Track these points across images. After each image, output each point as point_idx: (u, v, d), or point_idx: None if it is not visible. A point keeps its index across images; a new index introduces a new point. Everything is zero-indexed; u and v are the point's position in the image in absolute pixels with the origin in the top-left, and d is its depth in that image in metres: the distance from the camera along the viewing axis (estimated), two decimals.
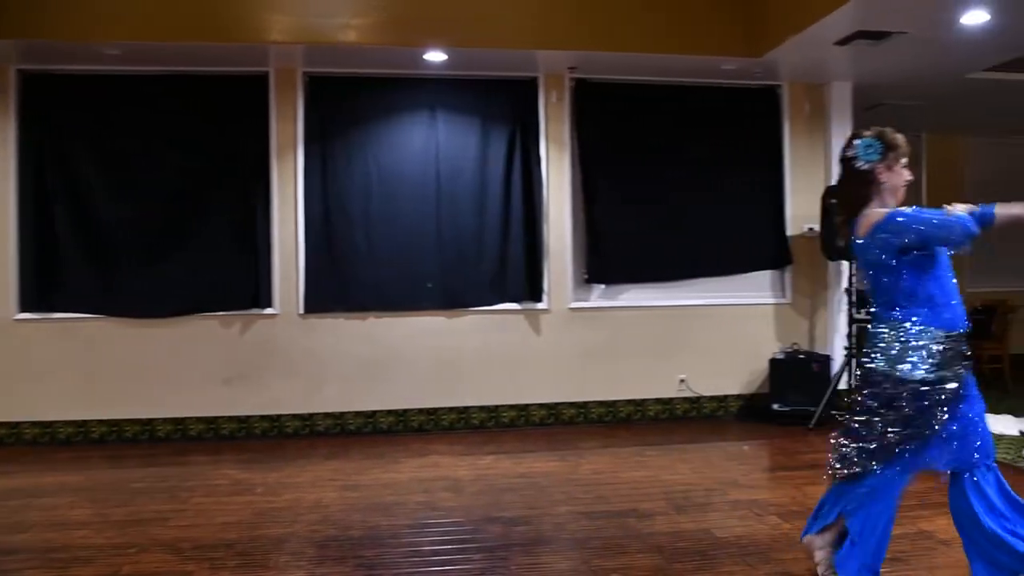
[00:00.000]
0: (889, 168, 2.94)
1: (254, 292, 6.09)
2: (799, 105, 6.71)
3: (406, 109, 6.21)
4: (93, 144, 5.93)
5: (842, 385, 6.34)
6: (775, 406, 6.32)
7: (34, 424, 5.84)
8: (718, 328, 6.55)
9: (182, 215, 5.99)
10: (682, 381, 6.48)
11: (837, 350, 6.49)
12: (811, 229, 6.56)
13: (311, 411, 6.10)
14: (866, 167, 2.95)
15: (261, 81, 6.07)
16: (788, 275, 6.71)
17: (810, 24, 5.34)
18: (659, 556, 3.59)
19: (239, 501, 4.45)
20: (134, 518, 4.16)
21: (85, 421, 5.89)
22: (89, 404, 5.89)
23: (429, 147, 6.20)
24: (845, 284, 6.50)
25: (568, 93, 6.38)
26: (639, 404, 6.45)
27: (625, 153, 6.44)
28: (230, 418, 6.00)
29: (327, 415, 6.08)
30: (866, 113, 7.16)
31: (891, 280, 2.87)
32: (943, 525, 3.69)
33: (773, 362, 6.40)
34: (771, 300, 6.70)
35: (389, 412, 6.16)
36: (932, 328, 2.84)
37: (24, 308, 5.88)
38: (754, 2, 5.94)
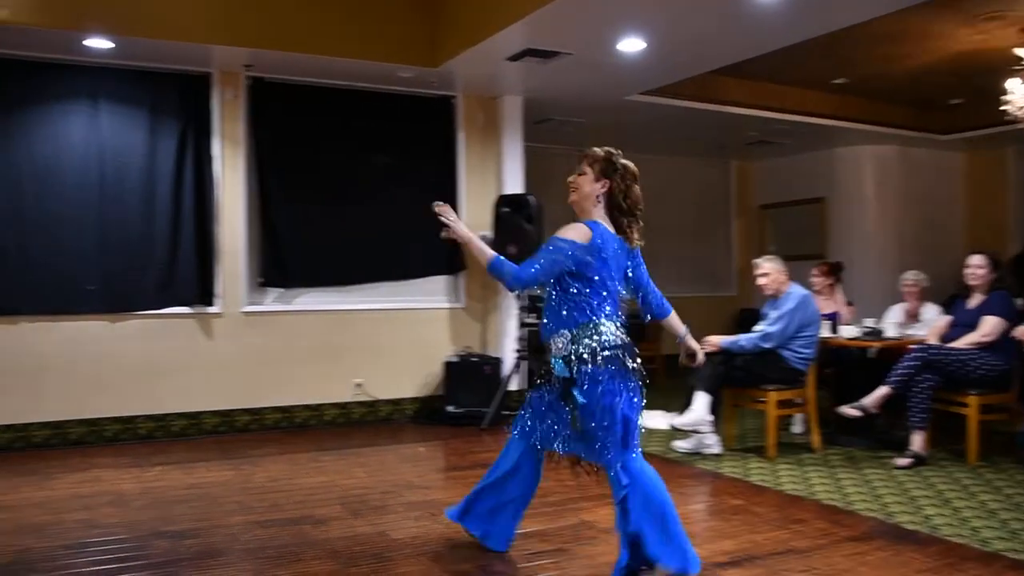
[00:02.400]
0: None
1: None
2: (473, 116, 7.93)
3: (67, 97, 6.55)
4: None
5: (513, 386, 7.54)
6: (449, 408, 7.35)
7: None
8: (394, 332, 7.56)
9: None
10: (358, 385, 7.30)
11: (508, 353, 7.67)
12: (484, 236, 7.35)
13: None
14: None
15: None
16: (462, 280, 7.85)
17: (484, 39, 6.32)
18: (335, 561, 3.89)
19: None
20: None
21: None
22: None
23: (92, 140, 6.59)
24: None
25: (244, 91, 7.05)
26: (315, 409, 7.28)
27: (303, 155, 7.26)
28: None
29: None
30: (535, 126, 8.16)
31: None
32: (603, 515, 4.39)
33: (447, 365, 7.48)
34: (446, 304, 7.85)
35: (44, 424, 6.50)
36: None
37: None
38: (432, 13, 6.97)
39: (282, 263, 7.06)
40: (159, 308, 6.69)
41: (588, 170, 3.73)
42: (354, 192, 7.30)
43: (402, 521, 4.46)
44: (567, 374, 3.61)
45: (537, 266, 3.57)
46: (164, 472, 5.63)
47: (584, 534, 4.26)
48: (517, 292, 3.69)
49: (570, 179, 3.78)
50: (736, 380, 5.96)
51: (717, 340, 5.96)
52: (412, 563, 3.88)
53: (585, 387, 3.54)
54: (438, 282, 7.69)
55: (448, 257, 7.57)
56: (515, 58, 6.59)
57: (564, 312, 3.65)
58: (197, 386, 6.79)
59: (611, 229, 3.71)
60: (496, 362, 7.46)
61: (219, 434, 6.84)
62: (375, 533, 4.27)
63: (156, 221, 6.66)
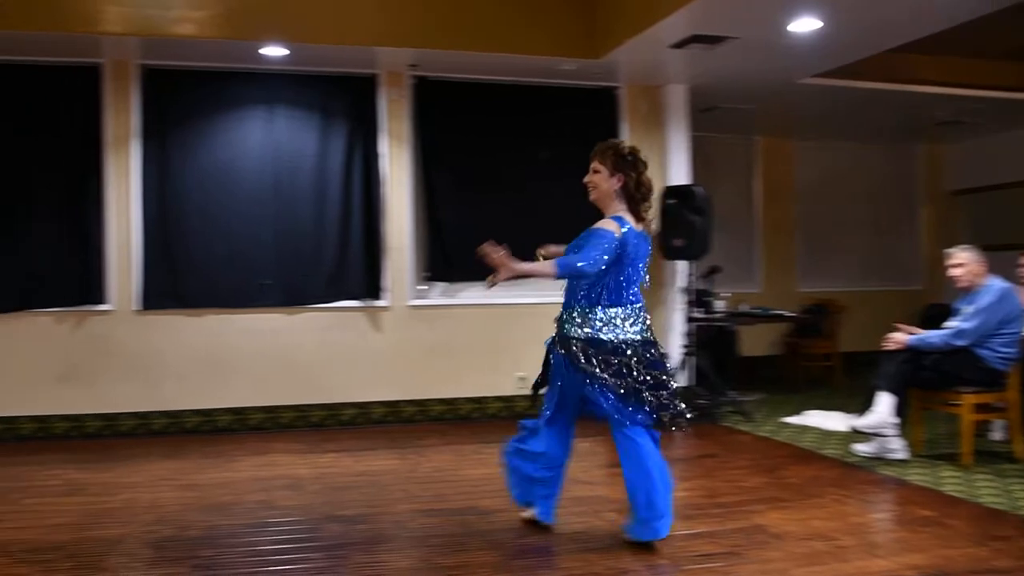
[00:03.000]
0: None
1: (86, 288, 6.45)
2: (637, 106, 7.76)
3: (245, 104, 6.95)
4: None
5: (680, 383, 7.04)
6: None
7: None
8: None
9: (9, 209, 6.49)
10: (522, 379, 7.18)
11: (674, 348, 7.44)
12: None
13: (147, 409, 6.71)
14: None
15: (93, 72, 6.65)
16: None
17: (647, 27, 6.16)
18: (499, 553, 3.91)
19: (72, 502, 4.83)
20: None
21: None
22: None
23: (268, 143, 6.95)
24: (682, 283, 7.15)
25: (409, 91, 7.21)
26: (479, 402, 7.35)
27: (467, 151, 7.35)
28: (63, 417, 6.60)
29: (163, 413, 6.76)
30: (701, 115, 7.90)
31: None
32: (775, 519, 4.30)
33: None
34: None
35: (227, 410, 6.90)
36: None
37: None
38: (593, 4, 6.87)
39: (447, 258, 7.17)
40: (330, 302, 6.96)
41: (601, 168, 4.02)
42: (517, 186, 7.31)
43: (565, 516, 4.38)
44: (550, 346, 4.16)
45: (602, 253, 3.79)
46: (335, 459, 5.85)
47: (756, 538, 4.07)
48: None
49: (586, 179, 4.07)
50: (925, 381, 5.48)
51: (903, 337, 5.50)
52: (575, 559, 3.83)
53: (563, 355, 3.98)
54: None
55: None
56: (680, 45, 6.39)
57: (580, 293, 4.00)
58: (365, 377, 7.02)
59: (632, 221, 3.97)
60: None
61: (386, 424, 7.03)
62: (541, 526, 4.22)
63: (327, 219, 6.94)
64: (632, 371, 3.86)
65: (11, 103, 6.48)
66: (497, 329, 7.26)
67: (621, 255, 3.88)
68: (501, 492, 4.80)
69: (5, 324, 6.47)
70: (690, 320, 7.32)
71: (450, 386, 7.19)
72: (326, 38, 6.39)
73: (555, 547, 3.98)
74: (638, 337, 3.93)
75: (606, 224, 3.91)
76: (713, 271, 7.64)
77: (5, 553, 3.94)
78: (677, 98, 7.65)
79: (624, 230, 3.89)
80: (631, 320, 3.95)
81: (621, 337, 3.90)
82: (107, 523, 4.42)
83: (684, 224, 6.96)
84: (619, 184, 3.98)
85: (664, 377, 3.95)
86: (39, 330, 6.50)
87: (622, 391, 3.84)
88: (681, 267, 7.42)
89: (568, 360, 3.94)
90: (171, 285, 6.69)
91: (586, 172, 7.65)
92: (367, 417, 7.03)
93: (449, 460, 5.78)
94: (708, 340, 7.82)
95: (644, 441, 3.91)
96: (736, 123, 9.08)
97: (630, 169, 3.99)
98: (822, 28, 6.03)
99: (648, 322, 4.05)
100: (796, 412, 7.16)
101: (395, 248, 7.06)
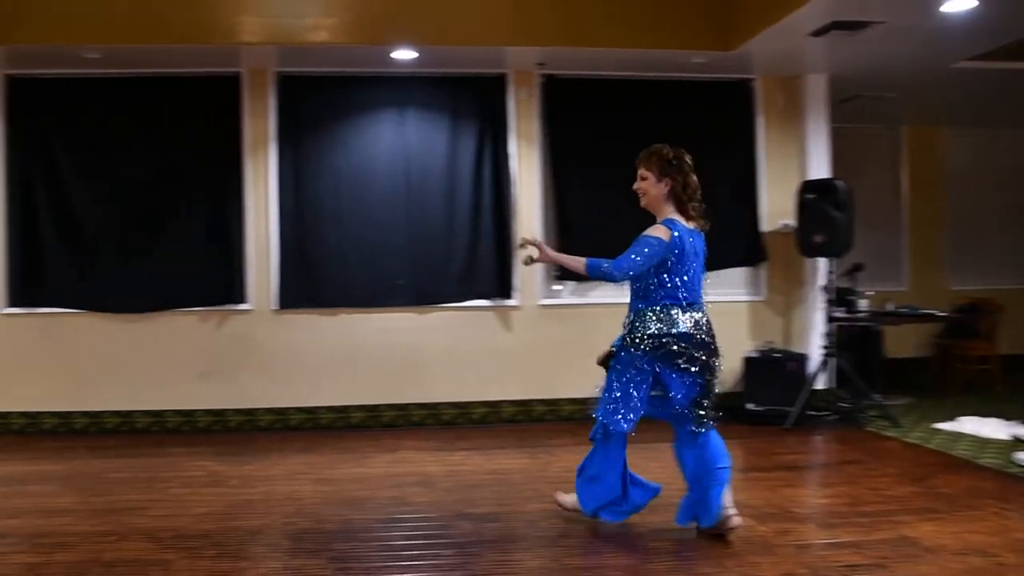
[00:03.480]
0: None
1: (227, 288, 6.77)
2: (773, 98, 7.48)
3: (376, 107, 7.08)
4: (74, 145, 6.90)
5: (819, 384, 7.02)
6: (749, 405, 6.99)
7: (22, 414, 6.81)
8: None
9: (158, 213, 6.89)
10: None
11: (814, 349, 7.17)
12: (786, 225, 7.12)
13: (284, 405, 6.88)
14: None
15: (234, 81, 6.97)
16: (763, 272, 7.44)
17: (785, 15, 5.90)
18: (632, 555, 3.87)
19: (215, 492, 5.05)
20: (114, 507, 4.74)
21: (68, 412, 6.86)
22: (71, 396, 6.84)
23: (398, 144, 7.06)
24: (822, 281, 6.87)
25: (538, 89, 7.19)
26: None
27: (596, 149, 7.22)
28: (206, 411, 6.91)
29: (300, 409, 6.96)
30: (842, 105, 7.56)
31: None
32: (927, 532, 4.07)
33: (747, 360, 7.12)
34: (745, 297, 7.48)
35: (360, 407, 7.01)
36: None
37: (12, 303, 6.87)
38: None
39: (577, 256, 7.08)
40: (461, 301, 7.01)
41: (649, 174, 4.20)
42: None
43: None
44: (619, 344, 4.33)
45: (636, 258, 4.06)
46: (466, 457, 5.87)
47: (905, 551, 3.83)
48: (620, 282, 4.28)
49: (636, 187, 4.28)
50: None
51: None
52: (711, 564, 3.73)
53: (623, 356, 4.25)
54: (736, 274, 7.34)
55: (747, 248, 7.27)
56: (819, 33, 6.08)
57: (635, 298, 4.29)
58: (496, 376, 7.03)
59: (684, 221, 4.18)
60: (801, 358, 6.98)
61: (516, 423, 7.02)
62: (673, 529, 4.15)
63: (457, 219, 6.99)
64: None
65: (159, 113, 6.82)
66: None
67: (680, 254, 4.09)
68: None
69: (152, 323, 6.80)
70: (831, 320, 6.95)
71: (581, 385, 6.92)
72: (455, 39, 6.45)
73: (689, 551, 3.85)
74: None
75: (654, 230, 4.12)
76: (856, 269, 7.29)
77: (153, 539, 4.13)
78: (816, 88, 7.31)
79: (676, 233, 4.08)
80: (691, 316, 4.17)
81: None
82: (247, 514, 4.59)
83: (824, 220, 6.65)
84: (667, 188, 4.16)
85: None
86: (183, 329, 6.82)
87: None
88: (821, 264, 7.08)
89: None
90: (306, 285, 6.89)
91: (719, 168, 7.51)
92: (498, 416, 7.04)
93: (580, 460, 5.56)
94: (850, 341, 7.47)
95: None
96: (880, 112, 8.58)
97: (676, 172, 4.16)
98: (977, 7, 5.55)
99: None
100: (948, 418, 6.68)
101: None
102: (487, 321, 7.04)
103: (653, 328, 4.08)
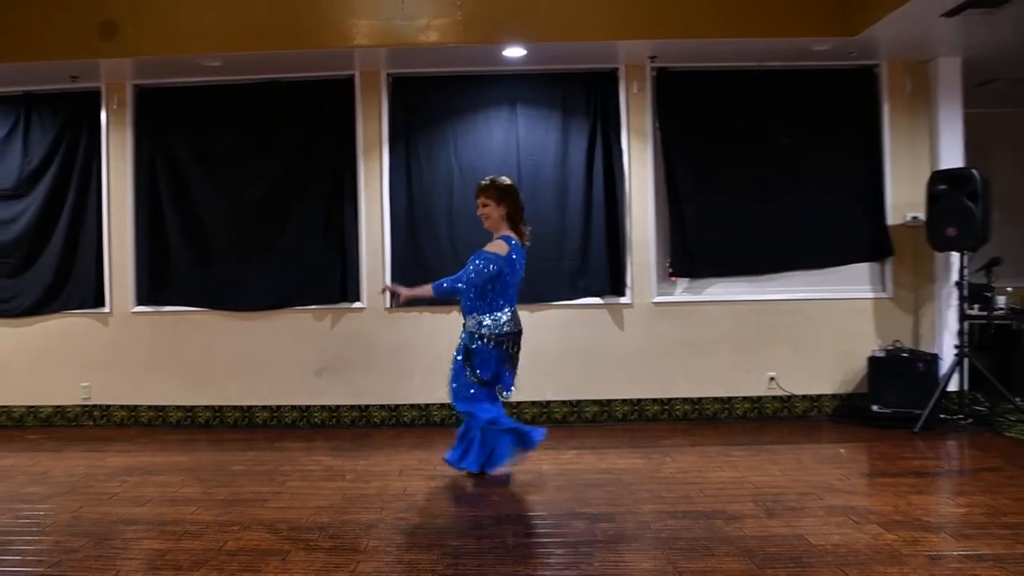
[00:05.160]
0: None
1: (342, 287, 6.83)
2: (900, 84, 7.09)
3: (487, 105, 7.08)
4: (195, 150, 7.20)
5: (952, 386, 6.64)
6: (874, 408, 6.66)
7: (149, 408, 7.15)
8: (811, 324, 7.04)
9: (276, 214, 7.09)
10: (772, 379, 6.95)
11: (946, 348, 6.80)
12: (915, 218, 6.80)
13: (397, 402, 6.93)
14: None
15: (347, 84, 7.10)
16: (889, 267, 7.08)
17: None
18: (748, 560, 3.76)
19: (330, 486, 5.19)
20: (236, 498, 4.96)
21: (192, 407, 7.15)
22: (195, 391, 7.14)
23: (510, 142, 7.03)
24: (955, 277, 6.50)
25: (649, 83, 7.03)
26: (726, 402, 7.00)
27: (710, 143, 7.04)
28: (322, 407, 7.06)
29: (412, 406, 7.02)
30: (976, 90, 7.12)
31: None
32: None
33: (872, 360, 6.78)
34: (870, 294, 7.11)
35: None
36: None
37: (140, 302, 7.21)
38: None
39: (691, 253, 6.91)
40: (573, 299, 6.91)
41: (489, 201, 5.17)
42: (765, 177, 6.91)
43: (822, 526, 4.17)
44: (470, 344, 5.11)
45: (483, 268, 4.99)
46: (578, 456, 5.80)
47: None
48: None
49: (480, 212, 5.23)
50: None
51: None
52: (833, 572, 3.58)
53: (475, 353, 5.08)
54: (861, 270, 6.99)
55: (871, 242, 6.90)
56: (952, 13, 5.69)
57: (478, 301, 5.10)
58: (608, 375, 6.91)
59: (515, 237, 5.19)
60: (931, 359, 6.56)
61: (629, 422, 6.89)
62: (792, 535, 4.04)
63: (568, 216, 6.90)
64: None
65: (277, 117, 7.01)
66: (747, 327, 6.91)
67: (512, 264, 5.10)
68: (750, 497, 4.67)
69: (271, 321, 7.00)
70: (965, 318, 6.51)
71: (695, 385, 6.91)
72: (566, 35, 6.38)
73: (810, 557, 3.69)
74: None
75: (494, 247, 5.06)
76: (992, 263, 6.78)
77: (272, 530, 4.29)
78: (949, 72, 6.85)
79: (511, 247, 5.09)
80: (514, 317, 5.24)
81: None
82: (362, 508, 4.68)
83: (958, 211, 6.25)
84: (504, 211, 5.15)
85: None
86: (300, 327, 6.98)
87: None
88: (954, 259, 6.64)
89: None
90: (418, 283, 6.86)
91: (840, 160, 7.20)
92: (610, 415, 6.92)
93: (694, 461, 5.55)
94: (987, 340, 7.06)
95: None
96: (1019, 95, 7.96)
97: (510, 199, 5.17)
98: None
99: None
100: None
101: (638, 244, 6.89)
102: (599, 319, 6.92)
103: (490, 323, 5.06)
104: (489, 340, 5.04)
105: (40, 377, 7.20)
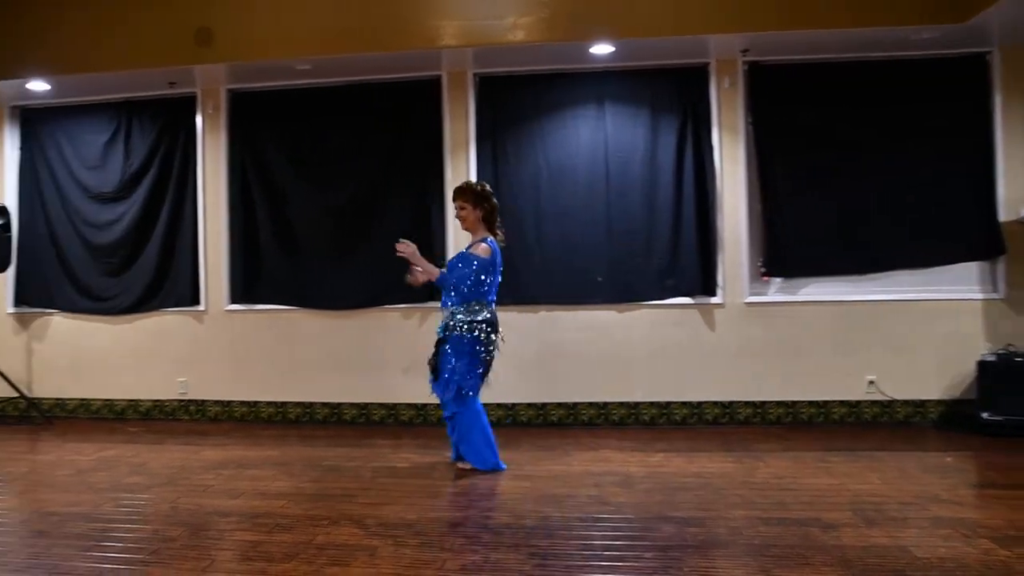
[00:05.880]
0: None
1: (429, 286, 6.79)
2: (1015, 73, 6.66)
3: (574, 103, 7.00)
4: (286, 152, 7.37)
5: None
6: (984, 414, 6.32)
7: (242, 403, 7.32)
8: (914, 325, 6.74)
9: (365, 214, 7.18)
10: (871, 383, 6.64)
11: None
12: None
13: (484, 401, 6.75)
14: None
15: (435, 84, 7.13)
16: (1001, 266, 6.71)
17: None
18: (846, 571, 3.58)
19: (418, 484, 5.17)
20: (325, 493, 4.99)
21: (283, 403, 7.28)
22: (286, 387, 7.28)
23: (597, 140, 6.94)
24: None
25: (741, 78, 6.85)
26: (822, 406, 6.75)
27: (806, 138, 6.81)
28: (408, 405, 7.12)
29: (499, 406, 6.98)
30: None
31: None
32: None
33: (983, 365, 6.43)
34: (979, 295, 6.76)
35: (559, 405, 6.95)
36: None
37: (233, 300, 7.41)
38: None
39: (785, 252, 6.70)
40: (662, 299, 6.77)
41: (466, 204, 5.37)
42: (864, 172, 6.63)
43: (927, 538, 3.88)
44: (442, 334, 5.36)
45: (471, 275, 5.24)
46: (667, 458, 5.66)
47: None
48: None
49: (456, 215, 5.44)
50: None
51: None
52: None
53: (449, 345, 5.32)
54: (969, 269, 6.65)
55: (981, 240, 6.54)
56: None
57: (459, 298, 5.31)
58: (698, 376, 6.75)
59: (493, 237, 5.42)
60: None
61: (720, 425, 6.72)
62: (894, 547, 3.82)
63: (657, 214, 6.77)
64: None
65: (366, 119, 7.08)
66: (845, 328, 6.65)
67: (495, 265, 5.36)
68: (848, 505, 4.45)
69: (359, 320, 7.09)
70: None
71: (790, 388, 6.67)
72: (654, 31, 6.26)
73: (913, 572, 3.45)
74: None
75: (480, 250, 5.28)
76: None
77: (360, 525, 4.30)
78: None
79: (494, 249, 5.35)
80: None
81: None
82: (449, 506, 4.69)
83: None
84: (481, 213, 5.36)
85: None
86: (388, 325, 7.05)
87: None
88: None
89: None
90: (506, 282, 6.84)
91: (946, 154, 6.85)
92: (700, 417, 6.76)
93: (789, 466, 5.32)
94: None
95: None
96: None
97: (485, 202, 5.36)
98: None
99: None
100: None
101: (729, 243, 6.71)
102: (689, 319, 6.76)
103: (475, 318, 5.26)
104: (465, 329, 5.25)
105: (140, 372, 7.48)
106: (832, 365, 6.64)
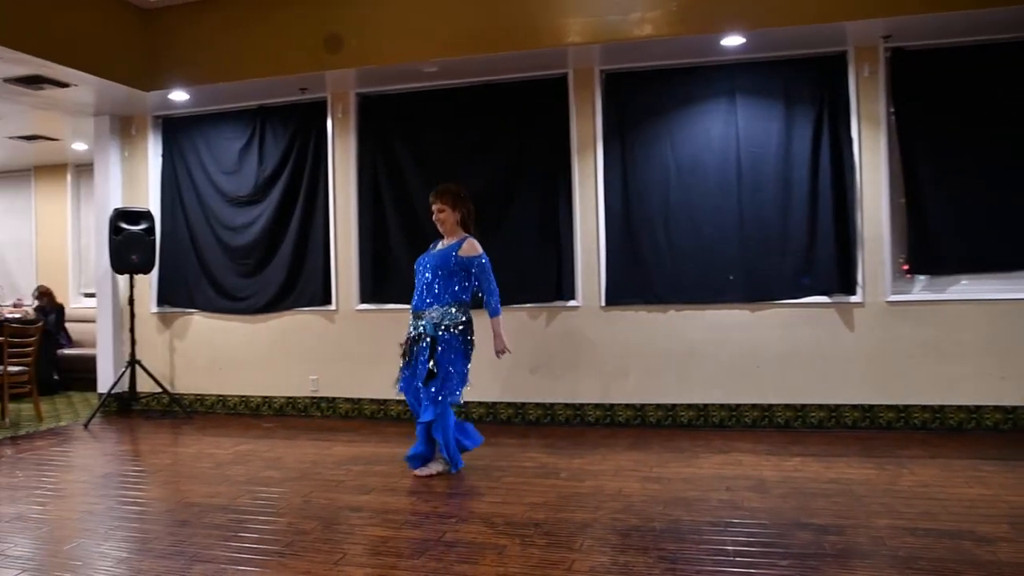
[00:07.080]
0: None
1: (558, 285, 6.82)
2: None
3: (703, 97, 6.85)
4: (414, 154, 7.48)
5: None
6: None
7: (372, 401, 7.51)
8: None
9: (493, 214, 7.14)
10: None
11: None
12: None
13: (612, 402, 6.85)
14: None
15: (561, 82, 7.10)
16: None
17: None
18: None
19: (545, 484, 5.17)
20: (453, 491, 5.05)
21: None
22: None
23: (728, 134, 6.77)
24: None
25: (882, 65, 6.54)
26: (974, 411, 6.38)
27: (955, 126, 6.43)
28: (536, 405, 7.09)
29: (627, 406, 6.90)
30: None
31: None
32: None
33: None
34: None
35: (689, 406, 6.81)
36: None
37: (363, 299, 7.59)
38: None
39: (931, 247, 6.35)
40: (797, 297, 6.54)
41: (445, 207, 5.45)
42: (1017, 161, 6.18)
43: None
44: (435, 333, 5.31)
45: (492, 278, 5.42)
46: (803, 463, 5.46)
47: None
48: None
49: (435, 218, 5.48)
50: None
51: None
52: None
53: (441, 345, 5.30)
54: None
55: None
56: None
57: (444, 295, 5.33)
58: (837, 378, 6.47)
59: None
60: None
61: (859, 429, 6.43)
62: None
63: (792, 209, 6.54)
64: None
65: (492, 119, 7.14)
66: (1001, 328, 6.23)
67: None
68: (1005, 518, 4.17)
69: (487, 319, 7.11)
70: None
71: (937, 392, 6.31)
72: (788, 19, 6.03)
73: None
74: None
75: (477, 249, 5.35)
76: None
77: (488, 524, 4.32)
78: None
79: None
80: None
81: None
82: (577, 506, 4.62)
83: None
84: (459, 215, 5.47)
85: None
86: (515, 324, 6.96)
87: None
88: None
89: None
90: (635, 282, 6.82)
91: None
92: (838, 420, 6.47)
93: (936, 474, 5.04)
94: None
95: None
96: None
97: (464, 204, 5.48)
98: None
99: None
100: None
101: (869, 239, 6.40)
102: (827, 319, 6.49)
103: (464, 318, 5.35)
104: (460, 329, 5.30)
105: (273, 370, 7.75)
106: (985, 368, 6.24)
